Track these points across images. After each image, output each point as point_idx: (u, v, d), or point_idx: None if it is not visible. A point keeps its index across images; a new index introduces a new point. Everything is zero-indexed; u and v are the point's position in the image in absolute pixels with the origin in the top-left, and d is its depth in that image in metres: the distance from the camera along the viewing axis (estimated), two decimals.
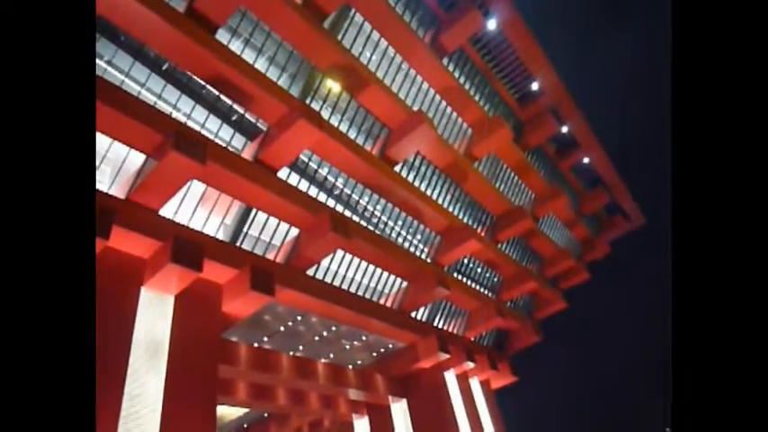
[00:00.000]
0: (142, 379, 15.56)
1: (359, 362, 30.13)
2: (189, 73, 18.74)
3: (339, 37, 23.73)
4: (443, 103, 30.55)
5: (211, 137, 19.73)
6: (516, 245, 38.52)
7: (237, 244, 20.54)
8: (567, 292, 44.43)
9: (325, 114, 22.51)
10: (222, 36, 19.46)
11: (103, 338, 14.98)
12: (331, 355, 28.52)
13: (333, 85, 23.94)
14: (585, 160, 43.63)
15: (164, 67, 18.45)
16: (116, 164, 17.69)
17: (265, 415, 37.39)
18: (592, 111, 40.97)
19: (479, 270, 35.22)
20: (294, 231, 22.30)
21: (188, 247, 17.01)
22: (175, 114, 18.91)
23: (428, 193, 29.18)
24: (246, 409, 33.08)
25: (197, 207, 19.44)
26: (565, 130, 39.74)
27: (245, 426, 38.69)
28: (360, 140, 25.04)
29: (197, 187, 19.22)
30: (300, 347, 26.93)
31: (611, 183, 46.07)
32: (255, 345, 24.84)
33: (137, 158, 17.57)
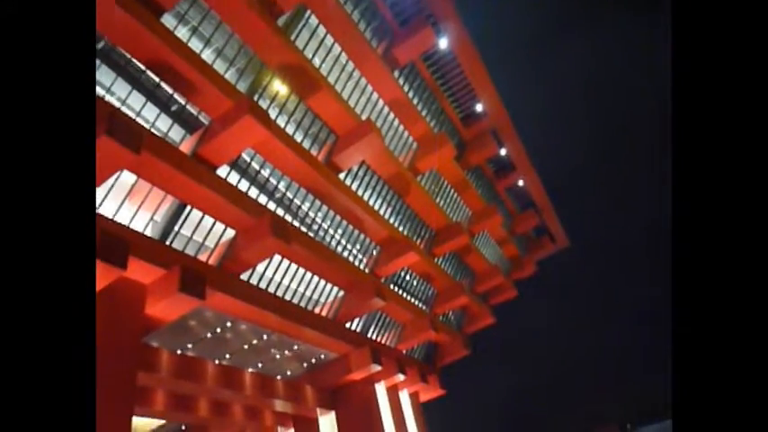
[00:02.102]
0: None
1: (288, 372, 29.12)
2: (127, 55, 17.42)
3: (292, 37, 23.22)
4: (391, 115, 30.78)
5: (147, 126, 18.40)
6: (451, 260, 39.37)
7: (167, 243, 19.19)
8: (495, 309, 46.00)
9: (272, 114, 21.80)
10: (168, 21, 18.34)
11: None
12: (260, 365, 27.32)
13: (282, 86, 23.31)
14: (520, 183, 45.71)
15: (100, 46, 16.99)
16: None
17: (183, 428, 35.08)
18: (529, 134, 43.17)
19: (415, 283, 35.53)
20: (229, 233, 21.24)
21: (113, 243, 15.59)
22: (109, 98, 17.46)
23: (370, 203, 29.10)
24: (162, 421, 30.82)
25: (125, 200, 17.97)
26: (503, 152, 41.45)
27: None
28: (306, 145, 24.51)
29: (126, 178, 17.79)
30: (227, 356, 25.55)
31: (541, 205, 48.57)
32: (178, 352, 23.23)
33: None
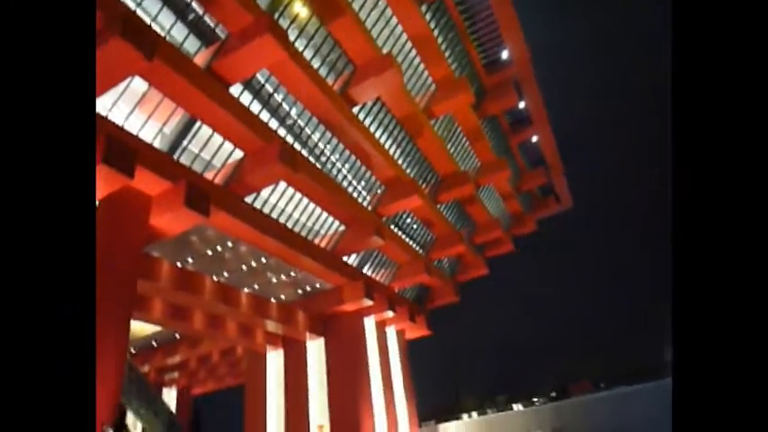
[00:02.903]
0: None
1: (282, 296, 30.04)
2: None
3: None
4: (413, 52, 29.61)
5: (162, 33, 17.72)
6: (453, 208, 39.43)
7: (175, 157, 19.09)
8: (489, 261, 46.70)
9: (290, 36, 20.93)
10: None
11: None
12: (255, 286, 28.13)
13: (303, 7, 22.22)
14: (534, 139, 44.85)
15: None
16: None
17: (176, 336, 36.74)
18: (548, 89, 41.78)
19: (414, 226, 35.79)
20: (237, 155, 21.08)
21: (120, 150, 15.49)
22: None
23: (381, 141, 28.67)
24: (158, 328, 32.22)
25: (135, 108, 17.65)
26: (522, 105, 40.33)
27: (155, 344, 37.89)
28: (322, 72, 23.75)
29: (137, 86, 17.38)
30: (225, 274, 26.23)
31: (551, 164, 47.95)
32: (179, 264, 23.81)
33: None
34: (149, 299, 24.37)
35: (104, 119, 16.33)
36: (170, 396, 45.49)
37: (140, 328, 31.77)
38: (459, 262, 44.14)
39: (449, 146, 35.37)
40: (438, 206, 35.63)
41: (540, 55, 38.32)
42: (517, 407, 55.22)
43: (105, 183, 15.84)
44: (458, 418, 59.62)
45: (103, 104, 16.58)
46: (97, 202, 16.33)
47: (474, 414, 59.14)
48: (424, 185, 33.79)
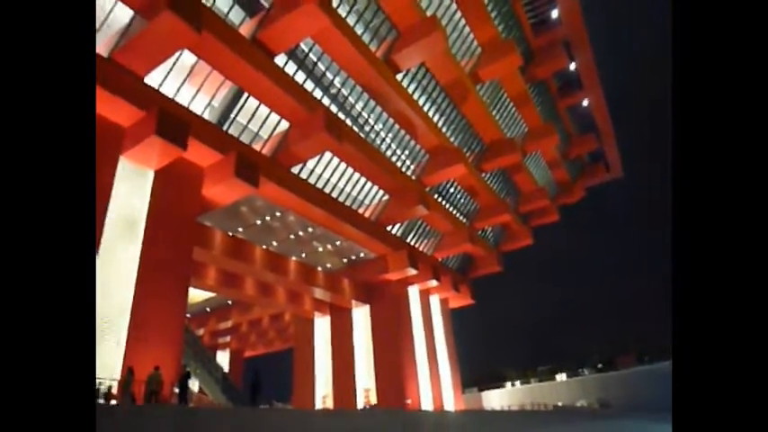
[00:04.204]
0: (117, 247, 15.24)
1: (329, 265, 30.69)
2: None
3: None
4: (458, 14, 28.55)
5: (208, 5, 17.81)
6: (498, 176, 38.59)
7: (224, 128, 19.48)
8: (535, 230, 45.73)
9: (333, 2, 20.61)
10: None
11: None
12: (303, 255, 28.83)
13: None
14: (585, 103, 42.81)
15: None
16: (99, 17, 15.84)
17: (229, 302, 38.48)
18: (601, 51, 39.47)
19: (458, 195, 35.37)
20: (283, 126, 21.28)
21: (173, 122, 15.95)
22: None
23: (425, 109, 28.16)
24: (212, 294, 33.79)
25: (185, 81, 18.02)
26: (572, 67, 38.39)
27: (208, 310, 39.88)
28: (365, 39, 23.34)
29: (186, 59, 17.69)
30: (274, 243, 27.00)
31: (603, 130, 45.80)
32: (230, 234, 24.67)
33: (123, 15, 15.78)
34: (204, 266, 25.48)
35: (157, 92, 16.78)
36: (223, 358, 48.08)
37: (194, 294, 33.44)
38: (503, 231, 43.49)
39: (494, 112, 34.35)
40: (483, 175, 34.97)
41: (593, 11, 36.04)
42: (560, 377, 55.02)
43: (160, 155, 16.42)
44: (501, 386, 60.20)
45: (155, 79, 17.00)
46: (153, 174, 17.00)
47: (517, 383, 59.51)
48: (468, 153, 33.15)
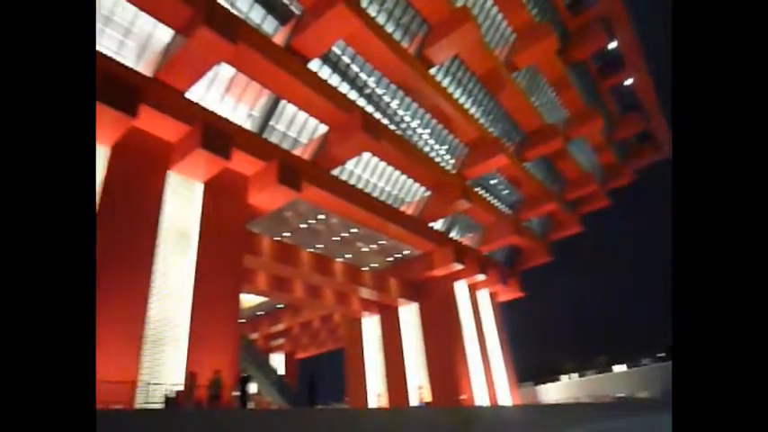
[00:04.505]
0: (170, 258, 15.90)
1: (374, 264, 30.86)
2: None
3: None
4: (489, 1, 27.96)
5: (241, 17, 18.28)
6: (541, 164, 37.54)
7: (265, 136, 19.94)
8: (584, 217, 44.18)
9: (362, 2, 20.65)
10: None
11: (131, 219, 15.10)
12: (348, 256, 29.12)
13: None
14: (628, 82, 40.96)
15: None
16: (141, 39, 16.59)
17: (280, 306, 39.43)
18: (644, 26, 37.57)
19: (500, 186, 34.67)
20: (321, 130, 21.55)
21: (217, 134, 16.50)
22: None
23: (461, 101, 27.76)
24: (263, 299, 34.73)
25: (225, 94, 18.59)
26: (613, 45, 36.81)
27: (260, 314, 41.02)
28: (396, 37, 23.27)
29: (225, 72, 18.23)
30: (319, 246, 27.41)
31: (649, 108, 43.65)
32: (277, 239, 25.24)
33: (163, 35, 16.44)
34: (254, 272, 26.21)
35: (200, 106, 17.38)
36: (277, 360, 49.34)
37: (246, 299, 34.47)
38: (550, 220, 42.27)
39: (533, 99, 33.42)
40: (525, 164, 34.11)
41: None
42: (619, 368, 52.83)
43: (206, 166, 17.01)
44: (557, 379, 58.55)
45: (198, 93, 17.61)
46: (201, 185, 17.63)
47: (574, 375, 57.67)
48: (508, 143, 32.43)
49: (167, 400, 12.75)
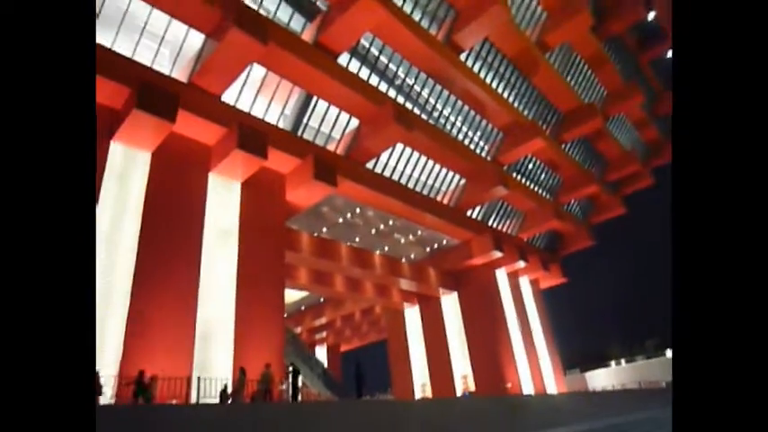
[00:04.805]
0: (216, 257, 16.38)
1: (412, 255, 30.83)
2: None
3: None
4: None
5: (270, 17, 18.49)
6: (579, 146, 36.37)
7: (299, 134, 20.18)
8: (627, 198, 42.60)
9: None
10: None
11: (177, 222, 15.63)
12: (386, 248, 29.21)
13: None
14: (669, 54, 38.99)
15: None
16: (175, 46, 17.05)
17: (321, 300, 40.05)
18: None
19: (538, 171, 33.85)
20: (353, 124, 21.60)
21: (253, 135, 16.82)
22: None
23: (493, 86, 27.19)
24: (305, 293, 35.35)
25: (257, 95, 18.89)
26: (651, 17, 35.09)
27: (303, 308, 41.81)
28: (424, 25, 22.97)
29: (256, 73, 18.51)
30: (357, 239, 27.60)
31: None
32: (316, 234, 25.58)
33: (195, 41, 16.84)
34: (295, 267, 26.69)
35: (234, 108, 17.75)
36: (321, 353, 50.22)
37: (290, 294, 35.17)
38: (591, 203, 41.00)
39: (568, 78, 32.37)
40: (563, 146, 33.16)
41: None
42: (671, 352, 50.94)
43: (244, 167, 17.39)
44: (605, 365, 57.02)
45: (232, 96, 17.98)
46: (240, 186, 18.05)
47: (622, 361, 56.01)
48: (544, 126, 31.57)
49: (223, 394, 13.20)
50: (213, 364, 14.82)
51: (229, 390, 13.63)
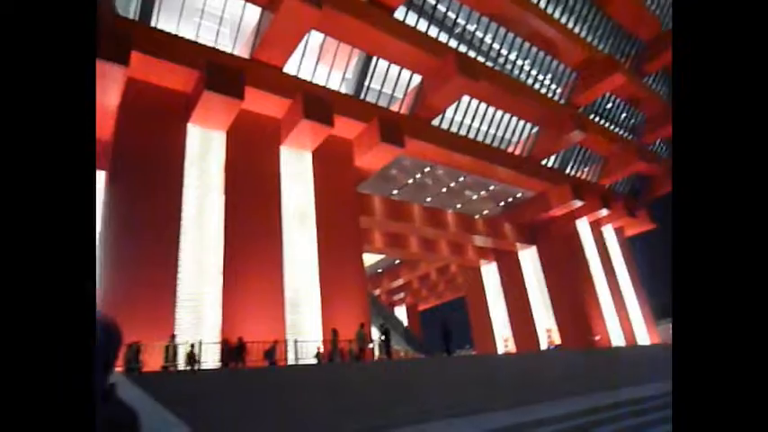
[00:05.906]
0: (294, 229, 16.94)
1: (486, 212, 30.10)
2: None
3: None
4: None
5: None
6: (664, 78, 32.96)
7: (362, 98, 19.95)
8: None
9: None
10: None
11: (258, 197, 16.24)
12: (458, 206, 28.72)
13: None
14: None
15: None
16: (234, 24, 17.26)
17: (397, 262, 40.65)
18: None
19: (618, 110, 31.23)
20: (415, 81, 20.95)
21: (317, 103, 16.86)
22: None
23: (562, 21, 25.07)
24: (381, 256, 36.00)
25: (318, 62, 18.79)
26: None
27: (380, 271, 42.73)
28: None
29: (314, 41, 18.35)
30: (428, 199, 27.34)
31: None
32: (387, 197, 25.64)
33: (252, 16, 16.92)
34: (369, 231, 27.09)
35: (297, 78, 17.81)
36: (400, 313, 51.46)
37: (367, 258, 36.01)
38: None
39: (647, 2, 29.07)
40: (645, 80, 30.22)
41: None
42: None
43: (312, 136, 17.56)
44: None
45: (293, 66, 18.02)
46: (311, 155, 18.32)
47: None
48: (623, 60, 28.85)
49: (319, 354, 13.92)
50: (304, 329, 15.58)
51: (321, 350, 14.31)
